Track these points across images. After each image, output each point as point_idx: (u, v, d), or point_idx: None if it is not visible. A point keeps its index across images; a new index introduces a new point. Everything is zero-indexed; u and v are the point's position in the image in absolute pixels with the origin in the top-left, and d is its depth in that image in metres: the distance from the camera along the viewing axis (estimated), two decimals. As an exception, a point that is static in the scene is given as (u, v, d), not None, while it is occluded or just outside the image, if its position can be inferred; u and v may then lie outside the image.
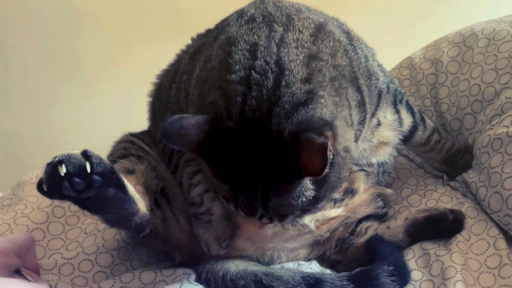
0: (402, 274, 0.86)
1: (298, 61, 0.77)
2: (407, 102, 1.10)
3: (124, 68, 2.06)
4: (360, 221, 1.03)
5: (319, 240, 1.01)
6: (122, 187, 0.76)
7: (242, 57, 0.77)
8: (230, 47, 0.79)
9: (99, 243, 1.02)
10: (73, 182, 0.66)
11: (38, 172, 1.33)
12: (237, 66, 0.76)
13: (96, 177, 0.68)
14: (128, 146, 0.98)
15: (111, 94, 2.10)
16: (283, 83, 0.74)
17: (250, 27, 0.81)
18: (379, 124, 1.01)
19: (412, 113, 1.10)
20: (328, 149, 0.67)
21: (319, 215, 0.99)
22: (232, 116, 0.73)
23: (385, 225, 1.01)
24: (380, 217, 1.05)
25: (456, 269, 0.86)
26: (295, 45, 0.78)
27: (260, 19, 0.83)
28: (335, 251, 1.00)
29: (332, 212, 1.00)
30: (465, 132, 1.18)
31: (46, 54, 2.07)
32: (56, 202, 1.14)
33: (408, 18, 1.80)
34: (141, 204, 0.82)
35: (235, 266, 0.92)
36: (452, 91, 1.23)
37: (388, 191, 1.09)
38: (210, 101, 0.77)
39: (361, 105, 0.88)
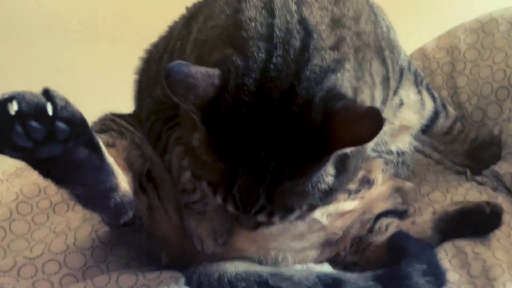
0: (437, 275, 0.71)
1: (324, 26, 0.64)
2: (427, 85, 0.98)
3: (111, 74, 1.93)
4: (378, 217, 0.88)
5: (331, 239, 0.86)
6: (96, 150, 0.60)
7: (258, 14, 0.64)
8: (239, 4, 0.67)
9: (69, 242, 0.85)
10: (29, 127, 0.49)
11: (5, 168, 1.16)
12: (253, 24, 0.63)
13: (60, 124, 0.52)
14: (108, 123, 0.83)
15: (96, 100, 1.95)
16: (312, 46, 0.62)
17: None
18: (401, 104, 0.88)
19: (433, 98, 0.98)
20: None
21: (332, 208, 0.84)
22: (251, 73, 0.59)
23: (409, 221, 0.87)
24: (400, 214, 0.91)
25: (502, 267, 0.72)
26: (318, 5, 0.66)
27: None
28: (351, 251, 0.85)
29: (347, 205, 0.86)
30: (489, 122, 1.06)
31: (31, 58, 1.94)
32: (21, 197, 0.98)
33: (414, 14, 1.71)
34: (122, 179, 0.67)
35: (233, 267, 0.77)
36: (472, 79, 1.12)
37: (408, 184, 0.95)
38: (218, 58, 0.63)
39: (386, 80, 0.76)
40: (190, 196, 0.77)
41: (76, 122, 0.54)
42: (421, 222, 0.85)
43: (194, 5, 0.90)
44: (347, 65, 0.64)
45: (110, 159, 0.64)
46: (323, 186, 0.62)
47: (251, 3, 0.66)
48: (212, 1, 0.75)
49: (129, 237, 0.82)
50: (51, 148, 0.52)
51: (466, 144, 1.03)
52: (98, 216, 0.71)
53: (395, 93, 0.85)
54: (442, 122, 0.99)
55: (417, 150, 1.13)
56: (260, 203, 0.62)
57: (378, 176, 0.90)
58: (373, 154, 0.89)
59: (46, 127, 0.51)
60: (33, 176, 1.05)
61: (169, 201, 0.81)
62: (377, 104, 0.73)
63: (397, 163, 0.94)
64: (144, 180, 0.77)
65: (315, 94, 0.59)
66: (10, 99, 0.49)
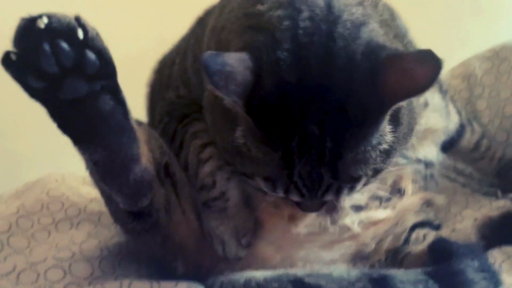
0: (491, 272, 0.64)
1: None
2: (451, 98, 0.96)
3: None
4: (413, 228, 0.82)
5: (363, 250, 0.78)
6: (122, 104, 0.55)
7: None
8: None
9: (75, 250, 0.77)
10: (57, 47, 0.45)
11: (3, 191, 1.08)
12: None
13: (90, 54, 0.47)
14: None
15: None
16: (336, 3, 0.59)
17: None
18: (426, 104, 0.85)
19: (458, 112, 0.95)
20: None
21: (363, 215, 0.78)
22: (282, 44, 0.56)
23: (449, 229, 0.80)
24: (435, 227, 0.84)
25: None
26: None
27: None
28: (387, 263, 0.77)
29: (378, 213, 0.80)
30: (515, 142, 1.03)
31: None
32: (22, 211, 0.90)
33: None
34: (144, 153, 0.61)
35: (261, 273, 0.69)
36: (492, 102, 1.10)
37: (440, 197, 0.89)
38: (241, 45, 0.60)
39: None
40: (209, 192, 0.71)
41: (106, 58, 0.50)
42: (462, 228, 0.78)
43: (210, 5, 0.90)
44: (376, 24, 0.61)
45: (134, 122, 0.59)
46: (383, 146, 0.57)
47: None
48: None
49: (142, 242, 0.75)
50: (77, 84, 0.47)
51: (495, 162, 0.99)
52: (114, 198, 0.63)
53: None
54: (469, 137, 0.96)
55: (441, 175, 1.08)
56: (326, 183, 0.57)
57: (409, 185, 0.85)
58: (403, 161, 0.85)
59: (76, 52, 0.46)
60: (35, 194, 0.98)
61: (187, 202, 0.74)
62: None
63: (425, 176, 0.89)
64: (162, 174, 0.71)
65: (355, 51, 0.55)
66: (40, 16, 0.45)
